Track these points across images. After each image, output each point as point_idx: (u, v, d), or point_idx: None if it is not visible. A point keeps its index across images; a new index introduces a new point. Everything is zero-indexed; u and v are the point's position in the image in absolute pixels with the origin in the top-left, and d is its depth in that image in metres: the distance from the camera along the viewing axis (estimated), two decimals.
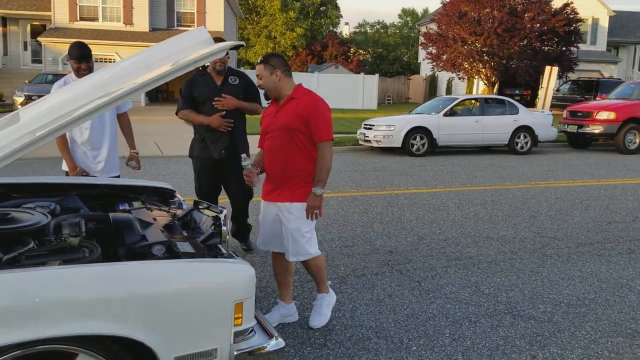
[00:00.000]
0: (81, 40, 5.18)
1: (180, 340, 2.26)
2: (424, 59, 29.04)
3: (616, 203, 7.89)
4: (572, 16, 24.39)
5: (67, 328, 2.06)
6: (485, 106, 13.81)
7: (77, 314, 2.07)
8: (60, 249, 2.50)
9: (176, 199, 3.71)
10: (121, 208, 3.29)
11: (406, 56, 56.73)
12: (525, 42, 24.03)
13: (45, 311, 2.02)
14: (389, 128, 12.88)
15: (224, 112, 4.76)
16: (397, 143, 12.78)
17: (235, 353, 2.36)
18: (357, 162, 11.87)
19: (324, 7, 53.48)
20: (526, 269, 5.05)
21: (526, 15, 23.93)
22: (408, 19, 66.93)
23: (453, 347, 3.56)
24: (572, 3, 24.66)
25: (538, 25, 23.55)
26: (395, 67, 51.82)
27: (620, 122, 13.98)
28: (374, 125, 13.23)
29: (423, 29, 39.76)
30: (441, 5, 27.38)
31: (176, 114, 5.00)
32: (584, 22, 27.87)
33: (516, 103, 14.14)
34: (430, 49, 27.10)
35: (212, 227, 2.99)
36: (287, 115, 3.60)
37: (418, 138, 12.84)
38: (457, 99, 14.00)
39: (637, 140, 14.12)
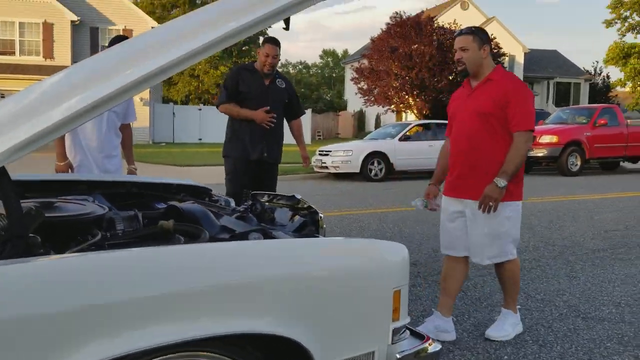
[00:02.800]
0: None
1: (336, 341, 1.71)
2: (356, 93, 29.40)
3: (597, 215, 7.90)
4: (495, 51, 25.57)
5: (213, 326, 1.47)
6: (437, 130, 13.89)
7: (223, 307, 1.49)
8: (151, 234, 1.89)
9: (216, 197, 3.12)
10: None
11: (329, 95, 57.64)
12: (453, 76, 24.87)
13: (189, 304, 1.43)
14: (347, 153, 12.61)
15: (268, 108, 4.33)
16: (356, 168, 12.51)
17: (398, 356, 1.83)
18: (319, 187, 11.45)
19: (246, 47, 53.54)
20: (561, 275, 4.77)
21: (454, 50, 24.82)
22: (329, 59, 68.34)
23: (545, 353, 3.15)
24: (495, 38, 25.91)
25: None
26: (319, 105, 52.38)
27: (562, 145, 14.47)
28: (330, 152, 12.93)
29: (348, 67, 40.59)
30: (370, 41, 28.00)
31: (217, 106, 4.57)
32: (506, 56, 29.37)
33: None
34: (362, 84, 27.50)
35: (295, 217, 2.46)
36: (482, 99, 3.14)
37: (376, 163, 12.65)
38: (410, 124, 14.02)
39: (579, 163, 14.65)
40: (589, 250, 5.70)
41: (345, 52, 66.82)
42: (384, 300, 1.79)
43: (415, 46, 25.17)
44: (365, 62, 27.97)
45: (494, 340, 3.31)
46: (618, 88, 36.13)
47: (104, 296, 1.33)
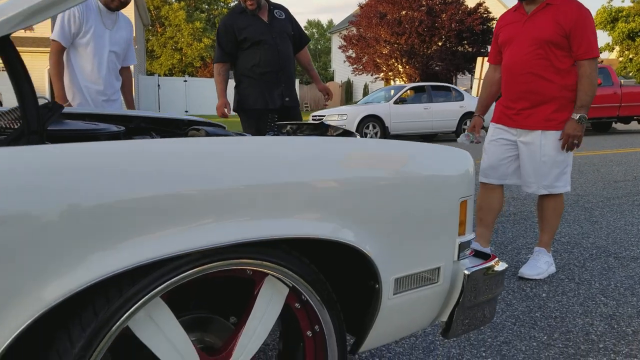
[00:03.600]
0: None
1: (401, 255, 1.49)
2: (344, 62, 28.96)
3: (602, 168, 7.77)
4: (485, 15, 25.24)
5: (270, 227, 1.25)
6: (433, 93, 13.65)
7: (285, 207, 1.27)
8: None
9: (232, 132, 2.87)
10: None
11: (315, 66, 56.97)
12: (443, 43, 24.56)
13: (244, 200, 1.21)
14: (342, 117, 12.35)
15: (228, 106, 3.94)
16: None
17: (467, 272, 1.62)
18: None
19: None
20: (582, 220, 4.61)
21: (443, 15, 24.46)
22: (314, 30, 67.43)
23: (585, 290, 2.98)
24: (485, 2, 25.53)
25: (455, 24, 24.12)
26: (305, 77, 51.80)
27: None
28: (324, 116, 12.65)
29: (335, 36, 39.99)
30: (358, 7, 27.49)
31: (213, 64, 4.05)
32: (495, 20, 29.06)
33: (461, 90, 14.12)
34: (350, 52, 27.07)
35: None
36: (541, 25, 2.96)
37: (371, 127, 12.41)
38: (405, 86, 13.75)
39: None
40: (604, 198, 5.56)
41: (331, 22, 66.00)
42: (451, 211, 1.58)
43: (404, 12, 24.74)
44: (354, 29, 27.50)
45: (529, 279, 3.13)
46: (606, 54, 36.02)
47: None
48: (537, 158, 3.09)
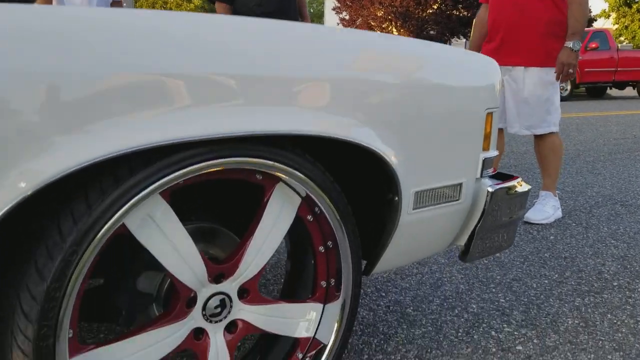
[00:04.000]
0: None
1: (423, 167, 1.37)
2: (338, 24, 28.44)
3: (601, 127, 7.67)
4: None
5: (284, 122, 1.11)
6: None
7: (290, 99, 1.13)
8: None
9: None
10: None
11: None
12: (438, 6, 24.13)
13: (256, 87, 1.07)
14: None
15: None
16: None
17: (491, 190, 1.50)
18: None
19: None
20: (584, 172, 4.52)
21: None
22: None
23: (593, 233, 2.89)
24: None
25: None
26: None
27: None
28: None
29: None
30: None
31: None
32: None
33: None
34: (344, 14, 26.57)
35: None
36: None
37: None
38: None
39: (569, 87, 14.36)
40: (605, 153, 5.46)
41: None
42: (476, 123, 1.45)
43: None
44: None
45: (535, 224, 3.04)
46: (601, 21, 35.67)
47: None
48: (520, 96, 2.98)
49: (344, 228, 1.31)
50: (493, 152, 1.54)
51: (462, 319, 1.96)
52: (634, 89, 15.95)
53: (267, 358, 1.40)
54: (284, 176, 1.20)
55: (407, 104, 1.30)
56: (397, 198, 1.33)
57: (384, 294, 2.15)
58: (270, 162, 1.15)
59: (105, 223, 0.97)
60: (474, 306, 2.07)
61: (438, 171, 1.41)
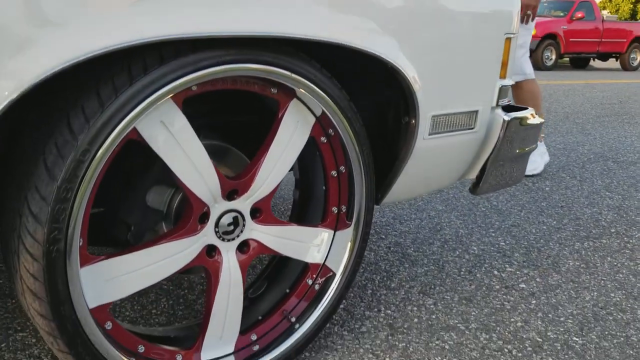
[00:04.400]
0: None
1: (441, 91, 1.32)
2: None
3: (588, 93, 7.69)
4: None
5: (297, 25, 1.05)
6: None
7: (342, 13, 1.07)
8: None
9: None
10: None
11: None
12: None
13: None
14: None
15: None
16: None
17: (507, 118, 1.47)
18: None
19: None
20: (574, 132, 4.53)
21: None
22: None
23: (588, 186, 2.90)
24: None
25: None
26: None
27: (539, 38, 14.11)
28: None
29: None
30: None
31: None
32: None
33: None
34: None
35: None
36: None
37: None
38: None
39: (554, 57, 14.39)
40: (593, 116, 5.48)
41: None
42: (495, 48, 1.41)
43: None
44: None
45: (527, 175, 3.03)
46: None
47: None
48: None
49: (358, 151, 1.26)
50: (509, 81, 1.50)
51: (464, 260, 1.95)
52: (616, 60, 16.03)
53: (276, 282, 1.37)
54: (300, 90, 1.14)
55: (428, 22, 1.25)
56: (413, 121, 1.29)
57: (383, 237, 2.12)
58: (288, 73, 1.09)
59: (119, 123, 0.91)
60: (475, 248, 2.05)
61: (455, 96, 1.36)
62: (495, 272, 1.86)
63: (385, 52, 1.16)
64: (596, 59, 16.05)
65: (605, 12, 30.38)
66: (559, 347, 1.44)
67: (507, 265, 1.91)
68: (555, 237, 2.18)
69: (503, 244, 2.10)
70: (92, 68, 0.92)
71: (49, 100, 0.94)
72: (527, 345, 1.44)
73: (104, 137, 0.91)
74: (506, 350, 1.42)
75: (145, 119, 0.97)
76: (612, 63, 17.05)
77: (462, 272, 1.85)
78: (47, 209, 0.89)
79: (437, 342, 1.44)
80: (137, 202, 1.16)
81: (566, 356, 1.40)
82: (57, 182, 0.88)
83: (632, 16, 31.23)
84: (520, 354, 1.40)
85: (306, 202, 1.40)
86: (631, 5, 31.79)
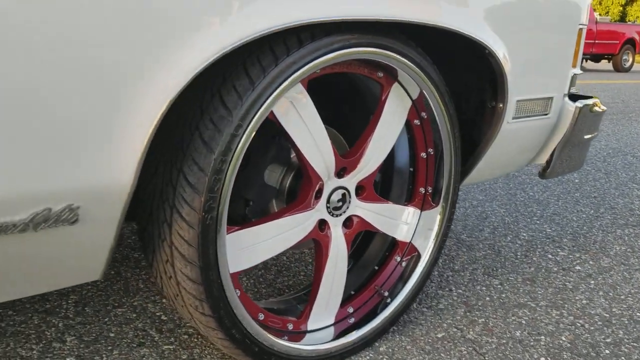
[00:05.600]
0: None
1: (525, 75, 1.40)
2: None
3: (586, 93, 7.82)
4: None
5: (417, 11, 1.12)
6: None
7: None
8: None
9: None
10: None
11: None
12: None
13: None
14: None
15: None
16: None
17: (579, 105, 1.55)
18: None
19: None
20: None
21: None
22: None
23: (624, 178, 2.99)
24: None
25: None
26: None
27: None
28: None
29: None
30: None
31: None
32: None
33: None
34: None
35: None
36: None
37: None
38: None
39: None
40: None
41: None
42: (570, 38, 1.49)
43: None
44: None
45: None
46: None
47: None
48: None
49: (450, 133, 1.34)
50: (578, 70, 1.58)
51: (517, 245, 2.03)
52: (609, 62, 16.27)
53: (362, 260, 1.44)
54: (403, 74, 1.21)
55: (520, 9, 1.33)
56: (501, 105, 1.37)
57: None
58: (397, 56, 1.16)
59: (266, 100, 0.98)
60: (525, 235, 2.14)
61: (537, 82, 1.44)
62: (550, 256, 1.94)
63: (485, 39, 1.24)
64: (589, 60, 16.28)
65: (595, 15, 30.82)
66: (626, 322, 1.52)
67: (558, 250, 2.00)
68: (596, 225, 2.27)
69: (549, 230, 2.19)
70: (237, 50, 0.98)
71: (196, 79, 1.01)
72: (596, 320, 1.53)
73: (253, 113, 0.97)
74: (579, 324, 1.50)
75: (280, 99, 1.04)
76: (604, 64, 17.30)
77: (518, 256, 1.93)
78: (204, 179, 0.95)
79: (513, 318, 1.52)
80: (257, 180, 1.23)
81: (634, 329, 1.49)
82: (214, 154, 0.95)
83: (622, 18, 31.67)
84: (592, 328, 1.48)
85: (389, 182, 1.48)
86: (620, 8, 32.23)
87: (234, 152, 0.97)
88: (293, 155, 1.26)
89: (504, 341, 1.40)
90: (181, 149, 0.98)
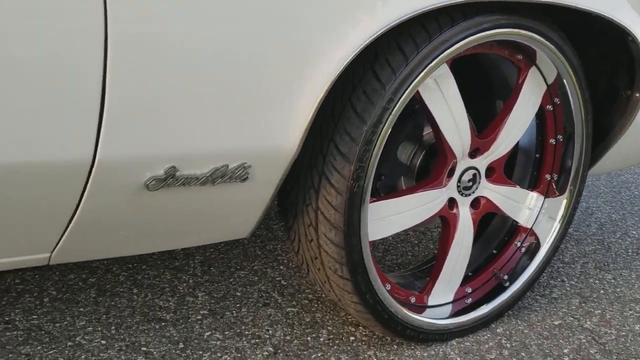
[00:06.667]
0: None
1: None
2: None
3: None
4: None
5: None
6: None
7: None
8: None
9: None
10: None
11: None
12: None
13: None
14: None
15: None
16: None
17: None
18: None
19: None
20: None
21: None
22: None
23: None
24: None
25: None
26: None
27: None
28: None
29: None
30: None
31: None
32: None
33: None
34: None
35: None
36: None
37: None
38: None
39: None
40: None
41: None
42: None
43: None
44: None
45: None
46: None
47: None
48: None
49: (584, 119, 1.32)
50: None
51: (627, 242, 1.98)
52: None
53: (480, 243, 1.45)
54: (544, 58, 1.21)
55: None
56: (638, 94, 1.34)
57: None
58: (540, 38, 1.16)
59: (418, 75, 1.01)
60: (634, 233, 2.07)
61: None
62: None
63: (616, 15, 1.21)
64: None
65: None
66: None
67: None
68: None
69: None
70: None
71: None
72: None
73: (405, 87, 1.01)
74: None
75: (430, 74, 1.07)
76: None
77: (629, 253, 1.88)
78: (355, 149, 1.00)
79: (630, 312, 1.49)
80: (390, 155, 1.27)
81: None
82: (366, 125, 1.00)
83: None
84: None
85: (511, 166, 1.47)
86: None
87: (384, 124, 1.01)
88: (425, 133, 1.29)
89: (624, 333, 1.38)
90: (332, 120, 1.03)
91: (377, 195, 1.24)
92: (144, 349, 1.18)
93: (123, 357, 1.15)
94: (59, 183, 0.76)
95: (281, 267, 1.58)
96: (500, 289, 1.39)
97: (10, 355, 1.12)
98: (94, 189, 0.77)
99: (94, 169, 0.75)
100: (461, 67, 1.25)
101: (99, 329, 1.23)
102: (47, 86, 0.70)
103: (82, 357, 1.14)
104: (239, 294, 1.43)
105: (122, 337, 1.21)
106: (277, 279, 1.52)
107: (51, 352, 1.14)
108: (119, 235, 0.88)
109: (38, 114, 0.70)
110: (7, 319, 1.23)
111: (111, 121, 0.73)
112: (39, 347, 1.15)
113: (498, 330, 1.35)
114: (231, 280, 1.49)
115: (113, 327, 1.24)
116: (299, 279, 1.53)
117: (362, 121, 1.00)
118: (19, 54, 0.69)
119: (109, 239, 0.89)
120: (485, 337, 1.33)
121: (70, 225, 0.81)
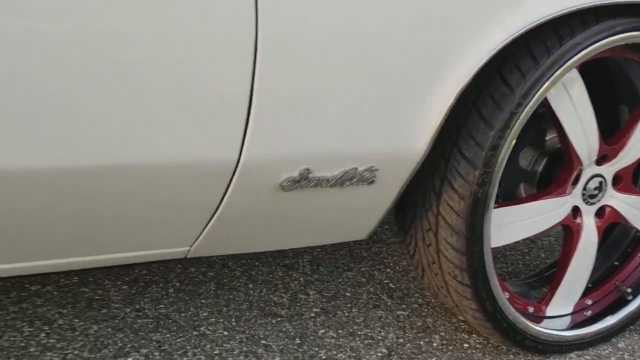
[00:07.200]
0: None
1: None
2: None
3: None
4: None
5: None
6: None
7: None
8: None
9: None
10: None
11: None
12: None
13: None
14: None
15: None
16: None
17: None
18: None
19: None
20: None
21: None
22: None
23: None
24: None
25: None
26: None
27: None
28: None
29: None
30: None
31: None
32: None
33: None
34: None
35: None
36: None
37: None
38: None
39: None
40: None
41: None
42: None
43: None
44: None
45: None
46: None
47: None
48: None
49: None
50: None
51: None
52: None
53: (604, 250, 1.38)
54: None
55: None
56: None
57: None
58: None
59: (547, 79, 0.99)
60: None
61: None
62: None
63: None
64: None
65: None
66: None
67: None
68: None
69: None
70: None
71: None
72: None
73: (534, 92, 0.99)
74: None
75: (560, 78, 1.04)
76: None
77: None
78: (481, 154, 0.99)
79: None
80: (512, 161, 1.24)
81: None
82: (493, 130, 0.98)
83: None
84: None
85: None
86: None
87: (511, 130, 0.99)
88: (547, 139, 1.25)
89: None
90: (455, 124, 1.02)
91: (497, 202, 1.22)
92: (263, 342, 1.23)
93: (245, 349, 1.21)
94: (205, 181, 0.81)
95: (388, 270, 1.59)
96: (622, 302, 1.32)
97: (142, 341, 1.21)
98: (235, 188, 0.82)
99: (237, 169, 0.80)
100: (588, 71, 1.21)
101: (221, 320, 1.29)
102: (200, 91, 0.75)
103: (207, 346, 1.21)
104: (348, 294, 1.45)
105: (242, 329, 1.27)
106: (384, 281, 1.53)
107: (179, 340, 1.22)
108: (252, 232, 0.93)
109: (192, 117, 0.75)
110: (137, 307, 1.32)
111: (256, 124, 0.77)
112: (167, 335, 1.23)
113: (619, 345, 1.29)
114: (340, 280, 1.52)
115: (233, 320, 1.30)
116: (406, 282, 1.53)
117: (488, 126, 0.99)
118: (172, 59, 0.74)
119: (243, 236, 0.93)
120: (607, 351, 1.27)
121: (211, 221, 0.87)
